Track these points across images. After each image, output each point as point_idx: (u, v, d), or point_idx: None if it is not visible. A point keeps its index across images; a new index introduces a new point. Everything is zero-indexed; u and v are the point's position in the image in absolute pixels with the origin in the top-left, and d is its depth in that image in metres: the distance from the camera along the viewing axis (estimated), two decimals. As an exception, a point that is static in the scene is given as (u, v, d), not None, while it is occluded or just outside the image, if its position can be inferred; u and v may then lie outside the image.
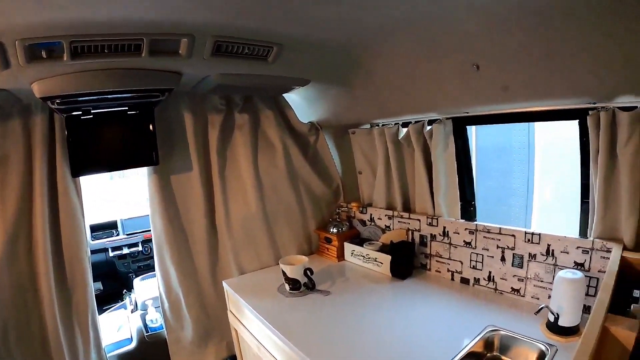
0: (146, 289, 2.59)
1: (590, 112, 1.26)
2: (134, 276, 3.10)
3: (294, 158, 2.13)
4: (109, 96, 1.38)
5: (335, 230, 2.15)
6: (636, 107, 1.17)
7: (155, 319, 2.31)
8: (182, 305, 1.90)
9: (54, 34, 0.98)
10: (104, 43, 1.06)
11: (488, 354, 1.32)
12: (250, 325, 1.70)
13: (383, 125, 2.00)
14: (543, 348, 1.21)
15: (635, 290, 1.05)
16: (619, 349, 0.83)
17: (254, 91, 1.91)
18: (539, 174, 3.68)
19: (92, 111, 1.49)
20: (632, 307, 0.99)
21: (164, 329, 1.91)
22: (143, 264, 3.49)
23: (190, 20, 1.04)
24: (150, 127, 1.64)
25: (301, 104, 2.07)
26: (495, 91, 1.34)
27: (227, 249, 1.97)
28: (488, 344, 1.32)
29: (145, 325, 2.28)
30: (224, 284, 1.90)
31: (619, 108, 1.20)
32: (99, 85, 1.27)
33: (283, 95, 2.03)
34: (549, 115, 1.45)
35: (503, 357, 1.31)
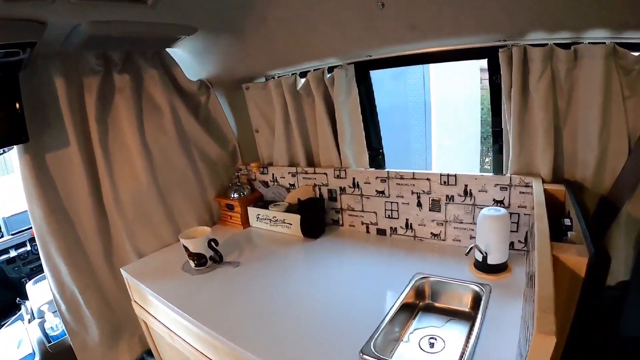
0: (41, 292, 2.31)
1: (500, 50, 1.24)
2: (27, 280, 2.74)
3: (184, 121, 1.95)
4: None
5: (236, 195, 2.05)
6: (547, 44, 1.17)
7: (55, 325, 2.07)
8: (80, 303, 1.68)
9: None
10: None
11: (420, 303, 1.29)
12: (158, 313, 1.54)
13: (279, 76, 1.86)
14: (477, 289, 1.20)
15: (565, 219, 1.07)
16: (569, 275, 0.82)
17: (134, 45, 1.67)
18: (436, 124, 4.15)
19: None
20: (568, 234, 0.99)
21: (67, 335, 1.69)
22: (35, 265, 3.08)
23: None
24: (16, 97, 1.37)
25: (188, 59, 1.86)
26: (402, 30, 1.28)
27: (120, 231, 1.76)
28: (419, 292, 1.30)
29: (46, 335, 2.04)
30: (122, 271, 1.70)
31: (530, 45, 1.19)
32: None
33: (167, 50, 1.80)
34: (458, 54, 1.42)
35: (437, 304, 1.28)
